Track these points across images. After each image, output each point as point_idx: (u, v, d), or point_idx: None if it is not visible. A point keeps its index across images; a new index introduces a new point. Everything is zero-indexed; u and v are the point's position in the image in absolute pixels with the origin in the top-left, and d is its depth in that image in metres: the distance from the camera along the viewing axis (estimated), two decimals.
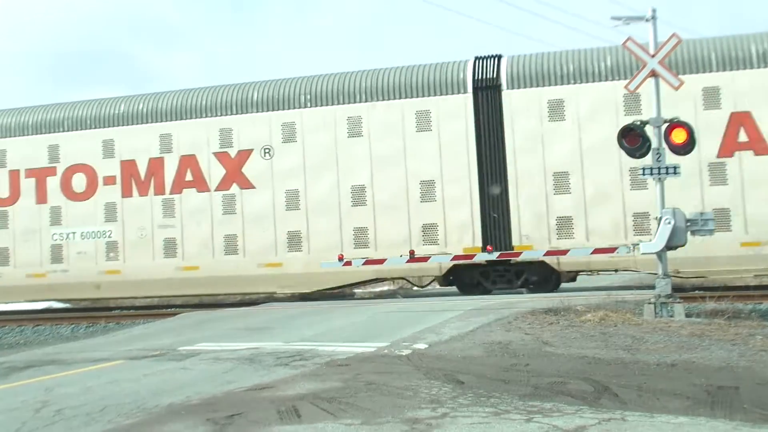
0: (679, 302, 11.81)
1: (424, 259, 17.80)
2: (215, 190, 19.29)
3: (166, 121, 19.82)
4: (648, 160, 12.34)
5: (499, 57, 18.21)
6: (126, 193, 19.92)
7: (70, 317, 19.13)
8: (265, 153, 18.91)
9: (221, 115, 19.44)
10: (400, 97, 18.39)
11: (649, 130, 12.31)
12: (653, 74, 12.26)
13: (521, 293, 17.45)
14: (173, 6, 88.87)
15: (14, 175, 20.73)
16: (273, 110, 19.16)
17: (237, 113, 19.36)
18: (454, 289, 18.91)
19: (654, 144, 12.21)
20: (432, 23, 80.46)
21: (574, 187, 17.27)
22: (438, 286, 19.68)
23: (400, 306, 15.87)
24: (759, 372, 7.59)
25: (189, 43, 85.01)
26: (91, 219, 20.08)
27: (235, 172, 19.18)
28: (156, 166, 19.74)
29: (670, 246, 11.96)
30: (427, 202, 18.04)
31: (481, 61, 18.33)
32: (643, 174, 12.28)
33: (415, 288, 21.55)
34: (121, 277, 19.77)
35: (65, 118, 20.62)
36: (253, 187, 19.03)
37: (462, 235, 17.74)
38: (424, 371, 8.02)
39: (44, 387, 8.54)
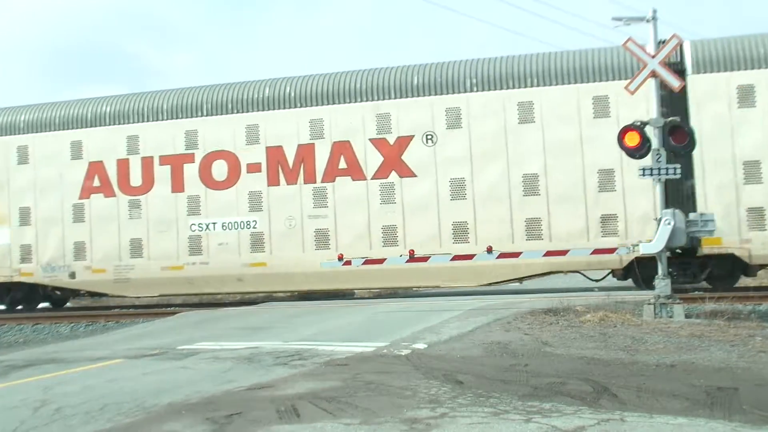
0: (678, 303, 11.83)
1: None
2: (372, 179, 18.23)
3: (317, 105, 18.71)
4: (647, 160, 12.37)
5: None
6: (272, 181, 18.78)
7: (70, 316, 19.08)
8: (427, 139, 17.88)
9: (378, 99, 18.41)
10: (574, 82, 17.61)
11: (649, 131, 12.33)
12: (653, 75, 12.29)
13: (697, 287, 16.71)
14: (172, 3, 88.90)
15: (148, 162, 19.58)
16: (435, 94, 18.11)
17: (395, 97, 18.36)
18: (457, 289, 18.83)
19: (654, 144, 12.23)
20: (432, 23, 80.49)
21: (765, 177, 16.56)
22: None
23: (400, 306, 15.87)
24: (758, 373, 7.59)
25: (188, 42, 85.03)
26: (233, 209, 18.98)
27: (394, 160, 18.13)
28: (305, 152, 18.63)
29: (670, 247, 11.97)
30: (605, 191, 17.12)
31: (662, 45, 17.78)
32: (643, 174, 12.29)
33: (414, 288, 21.52)
34: (267, 269, 18.74)
35: (204, 103, 19.46)
36: (414, 176, 17.98)
37: (644, 226, 16.71)
38: (423, 371, 8.02)
39: (43, 386, 8.54)
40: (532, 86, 17.73)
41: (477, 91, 17.99)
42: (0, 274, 20.38)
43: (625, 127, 12.57)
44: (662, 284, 11.89)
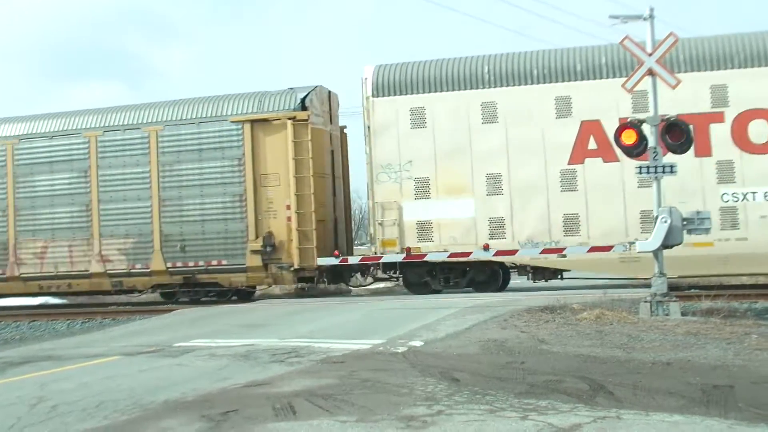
0: (674, 301, 11.84)
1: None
2: None
3: None
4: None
5: None
6: None
7: (66, 313, 19.04)
8: None
9: None
10: None
11: (646, 129, 12.32)
12: (650, 73, 12.27)
13: None
14: (172, 2, 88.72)
15: None
16: None
17: None
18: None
19: (651, 143, 12.23)
20: (432, 22, 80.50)
21: None
22: None
23: (397, 303, 15.87)
24: (754, 371, 7.61)
25: (188, 39, 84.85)
26: None
27: None
28: None
29: (667, 245, 11.98)
30: None
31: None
32: (640, 173, 12.30)
33: None
34: None
35: (735, 53, 16.74)
36: None
37: None
38: (419, 369, 8.02)
39: (40, 382, 8.53)
40: None
41: None
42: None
43: (622, 125, 12.57)
44: (658, 282, 11.89)
